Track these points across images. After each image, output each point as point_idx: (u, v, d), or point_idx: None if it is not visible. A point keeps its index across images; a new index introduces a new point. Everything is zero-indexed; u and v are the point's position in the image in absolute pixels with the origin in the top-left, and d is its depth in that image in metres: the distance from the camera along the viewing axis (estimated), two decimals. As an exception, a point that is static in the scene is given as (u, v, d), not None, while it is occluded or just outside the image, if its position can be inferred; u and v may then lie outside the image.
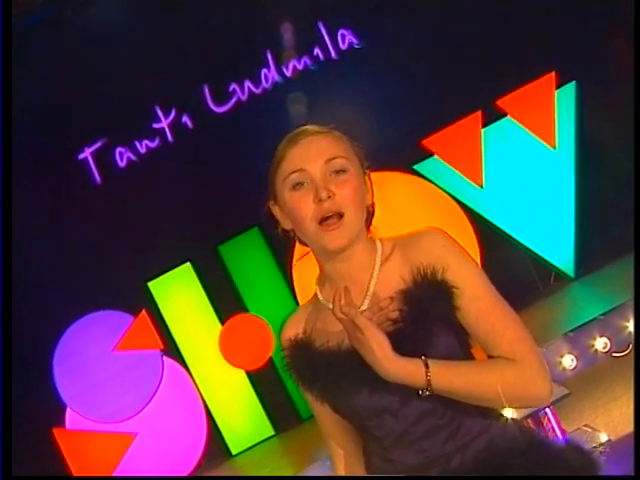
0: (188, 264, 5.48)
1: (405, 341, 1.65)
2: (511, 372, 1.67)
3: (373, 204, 1.82)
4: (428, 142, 5.32)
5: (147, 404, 5.39)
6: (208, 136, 5.62)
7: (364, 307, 1.73)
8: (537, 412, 3.68)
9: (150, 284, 5.47)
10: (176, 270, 5.48)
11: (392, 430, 1.73)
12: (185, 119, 5.69)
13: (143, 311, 5.38)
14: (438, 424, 1.72)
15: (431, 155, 5.33)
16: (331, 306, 1.69)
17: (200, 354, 5.43)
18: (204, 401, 5.41)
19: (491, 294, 1.73)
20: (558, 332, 4.03)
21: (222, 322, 5.38)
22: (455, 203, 5.26)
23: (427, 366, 1.65)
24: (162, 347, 5.40)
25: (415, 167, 5.32)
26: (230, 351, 5.27)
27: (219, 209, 5.37)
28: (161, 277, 5.47)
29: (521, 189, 5.29)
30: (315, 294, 1.84)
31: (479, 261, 4.93)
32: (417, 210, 5.24)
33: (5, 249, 4.31)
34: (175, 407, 5.44)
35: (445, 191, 5.28)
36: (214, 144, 5.57)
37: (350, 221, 1.73)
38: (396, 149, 5.16)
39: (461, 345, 1.75)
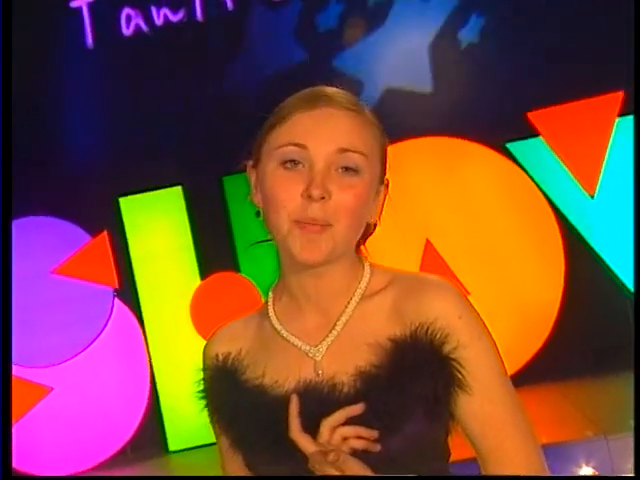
0: (178, 188, 4.42)
1: (370, 410, 1.31)
2: None
3: (376, 224, 1.47)
4: (535, 117, 4.15)
5: (77, 354, 4.28)
6: (248, 23, 4.53)
7: (323, 346, 1.40)
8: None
9: (122, 200, 4.39)
10: (161, 191, 4.41)
11: None
12: (225, -6, 4.63)
13: (104, 232, 4.32)
14: None
15: (536, 135, 4.19)
16: (280, 328, 1.44)
17: (163, 310, 4.37)
18: (152, 373, 4.34)
19: (507, 396, 1.39)
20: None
21: (202, 276, 4.33)
22: (549, 207, 4.16)
23: None
24: (116, 286, 4.35)
25: (509, 146, 4.23)
26: (202, 317, 4.19)
27: (237, 128, 4.16)
28: (139, 195, 4.40)
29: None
30: (266, 305, 1.48)
31: (562, 280, 4.09)
32: (496, 200, 4.22)
33: None
34: (112, 369, 4.36)
35: (539, 188, 4.16)
36: (257, 35, 4.50)
37: (338, 236, 1.37)
38: (491, 117, 4.22)
39: (435, 441, 1.38)
